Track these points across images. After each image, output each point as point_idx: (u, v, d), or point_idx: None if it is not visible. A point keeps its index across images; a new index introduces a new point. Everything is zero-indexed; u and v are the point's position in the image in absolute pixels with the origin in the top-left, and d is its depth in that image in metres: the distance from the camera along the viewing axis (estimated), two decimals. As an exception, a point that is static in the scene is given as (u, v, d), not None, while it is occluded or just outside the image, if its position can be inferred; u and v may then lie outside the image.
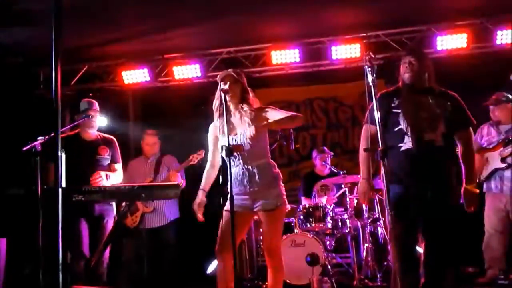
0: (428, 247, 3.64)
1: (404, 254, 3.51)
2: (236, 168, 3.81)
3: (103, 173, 4.75)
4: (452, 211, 3.65)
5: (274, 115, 3.82)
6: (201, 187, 3.96)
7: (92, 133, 4.97)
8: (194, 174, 5.88)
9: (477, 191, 3.72)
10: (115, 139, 5.08)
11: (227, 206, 3.78)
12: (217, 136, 3.96)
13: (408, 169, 3.58)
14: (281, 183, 3.90)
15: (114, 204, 4.78)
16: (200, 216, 3.90)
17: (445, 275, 3.60)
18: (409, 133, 3.59)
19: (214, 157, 4.01)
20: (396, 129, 3.65)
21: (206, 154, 4.27)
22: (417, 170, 3.55)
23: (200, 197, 3.92)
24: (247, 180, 3.77)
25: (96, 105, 5.05)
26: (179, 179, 5.74)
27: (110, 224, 4.72)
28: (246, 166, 3.78)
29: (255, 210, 3.82)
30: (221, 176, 3.87)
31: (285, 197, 3.87)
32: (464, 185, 3.69)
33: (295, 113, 3.87)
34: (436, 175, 3.59)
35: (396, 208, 3.39)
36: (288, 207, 3.96)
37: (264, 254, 3.90)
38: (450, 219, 3.62)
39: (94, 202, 4.45)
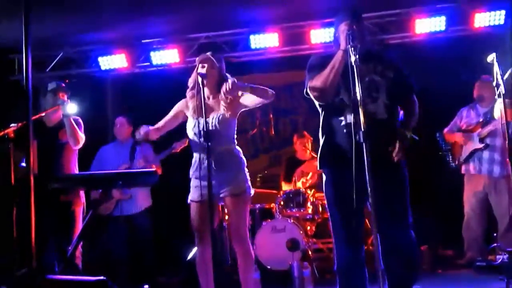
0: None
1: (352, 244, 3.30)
2: (204, 152, 3.73)
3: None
4: (404, 191, 3.30)
5: (247, 96, 3.80)
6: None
7: (56, 117, 4.71)
8: (170, 162, 5.85)
9: (412, 136, 3.34)
10: (79, 119, 4.76)
11: (192, 196, 3.82)
12: (183, 112, 3.95)
13: (349, 148, 3.10)
14: (246, 169, 3.90)
15: (82, 192, 4.65)
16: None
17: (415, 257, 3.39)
18: (350, 106, 3.10)
19: (165, 125, 3.99)
20: (336, 101, 3.28)
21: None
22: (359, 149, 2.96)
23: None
24: (215, 165, 3.71)
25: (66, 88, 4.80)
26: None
27: (78, 212, 4.57)
28: (215, 151, 3.70)
29: (221, 195, 3.78)
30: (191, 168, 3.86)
31: (249, 182, 3.88)
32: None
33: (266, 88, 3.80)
34: (381, 154, 3.13)
35: (339, 198, 3.25)
36: (252, 191, 3.92)
37: (232, 241, 3.86)
38: (402, 201, 3.27)
39: (69, 189, 4.34)
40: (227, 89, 3.60)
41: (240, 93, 3.75)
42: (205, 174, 3.60)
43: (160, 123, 4.00)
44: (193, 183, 3.85)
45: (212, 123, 3.78)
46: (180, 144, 5.46)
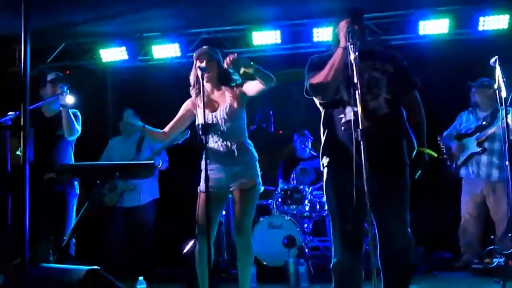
0: (383, 230, 3.19)
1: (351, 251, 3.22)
2: (215, 145, 3.77)
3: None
4: (405, 190, 3.21)
5: (249, 84, 3.79)
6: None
7: (55, 107, 4.71)
8: (176, 156, 5.82)
9: (430, 153, 3.29)
10: (77, 112, 4.77)
11: (202, 186, 3.74)
12: (191, 111, 3.93)
13: (349, 146, 3.01)
14: (257, 164, 3.87)
15: (76, 183, 4.64)
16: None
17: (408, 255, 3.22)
18: (350, 103, 3.05)
19: (173, 127, 3.97)
20: (336, 98, 3.24)
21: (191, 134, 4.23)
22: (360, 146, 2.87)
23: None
24: (226, 157, 3.73)
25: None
26: (158, 161, 5.63)
27: (72, 203, 4.56)
28: (225, 143, 3.74)
29: (231, 189, 3.77)
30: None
31: (260, 178, 3.85)
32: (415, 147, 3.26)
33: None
34: (382, 152, 3.10)
35: (338, 196, 3.18)
36: (262, 188, 3.90)
37: (234, 234, 3.82)
38: (402, 200, 3.19)
39: (66, 179, 4.33)
40: (231, 59, 3.49)
41: (242, 70, 3.65)
42: (214, 167, 3.71)
43: (167, 127, 3.96)
44: (203, 174, 3.76)
45: (220, 115, 3.76)
46: (181, 135, 5.44)
